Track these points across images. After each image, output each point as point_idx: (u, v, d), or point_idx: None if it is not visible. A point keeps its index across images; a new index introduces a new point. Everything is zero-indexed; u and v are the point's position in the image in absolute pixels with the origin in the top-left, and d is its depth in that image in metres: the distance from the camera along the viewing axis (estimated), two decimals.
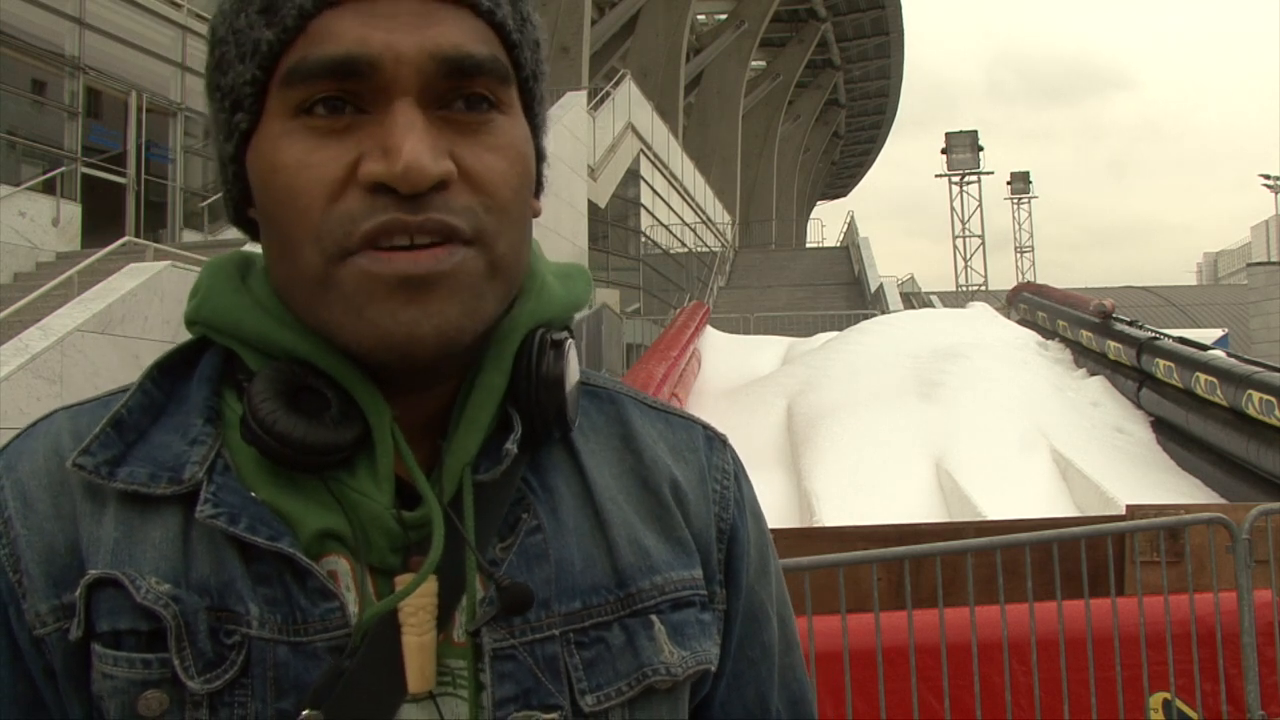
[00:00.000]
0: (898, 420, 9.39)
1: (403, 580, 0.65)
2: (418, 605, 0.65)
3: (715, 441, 0.81)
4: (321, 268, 0.63)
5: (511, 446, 0.68)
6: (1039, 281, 26.84)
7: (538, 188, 0.75)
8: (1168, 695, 3.72)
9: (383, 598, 0.65)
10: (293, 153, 0.63)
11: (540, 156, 0.73)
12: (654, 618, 0.70)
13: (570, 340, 0.72)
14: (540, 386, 0.69)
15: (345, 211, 0.62)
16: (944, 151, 59.50)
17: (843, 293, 26.89)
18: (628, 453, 0.75)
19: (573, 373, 0.71)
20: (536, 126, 0.72)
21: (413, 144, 0.61)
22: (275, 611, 0.64)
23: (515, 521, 0.69)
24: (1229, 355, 9.76)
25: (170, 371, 0.71)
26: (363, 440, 0.67)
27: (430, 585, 0.65)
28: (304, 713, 0.62)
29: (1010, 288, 20.52)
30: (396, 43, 0.62)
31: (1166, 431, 9.84)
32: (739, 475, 0.80)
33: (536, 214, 0.74)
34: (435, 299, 0.62)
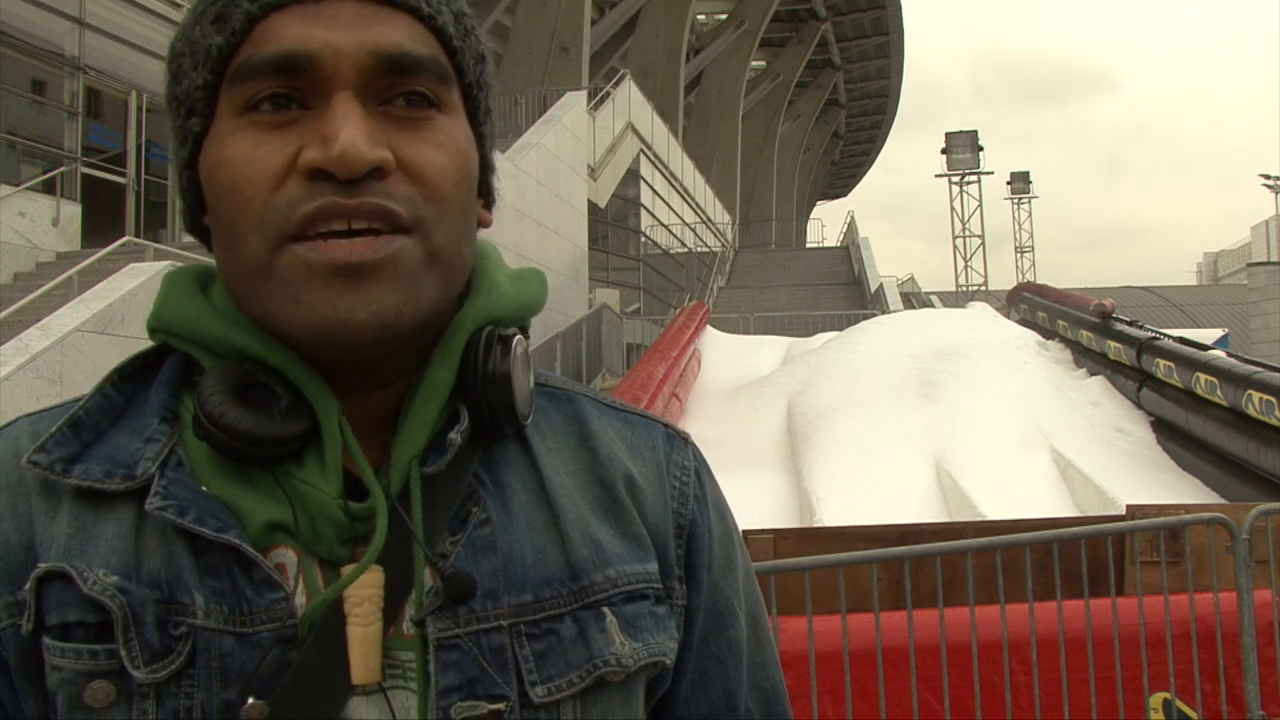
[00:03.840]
0: (898, 420, 9.39)
1: (348, 571, 0.66)
2: (363, 596, 0.66)
3: (675, 439, 0.81)
4: (264, 255, 0.65)
5: (455, 437, 0.70)
6: (1039, 281, 26.84)
7: (489, 198, 0.77)
8: (1168, 695, 3.72)
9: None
10: (239, 147, 0.66)
11: (488, 168, 0.76)
12: (606, 609, 0.71)
13: (519, 337, 0.74)
14: (486, 382, 0.71)
15: (285, 198, 0.64)
16: (944, 151, 59.48)
17: (843, 293, 26.89)
18: (584, 450, 0.76)
19: (521, 369, 0.72)
20: (483, 136, 0.74)
21: (349, 131, 0.63)
22: (222, 602, 0.65)
23: (465, 516, 0.70)
24: (1229, 355, 9.77)
25: (131, 377, 0.73)
26: (312, 434, 0.68)
27: (376, 577, 0.66)
28: (249, 701, 0.63)
29: (1010, 288, 20.53)
30: (336, 40, 0.65)
31: (1166, 431, 9.84)
32: (700, 472, 0.81)
33: (486, 224, 0.76)
34: (372, 286, 0.64)
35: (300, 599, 0.66)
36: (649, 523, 0.75)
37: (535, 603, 0.69)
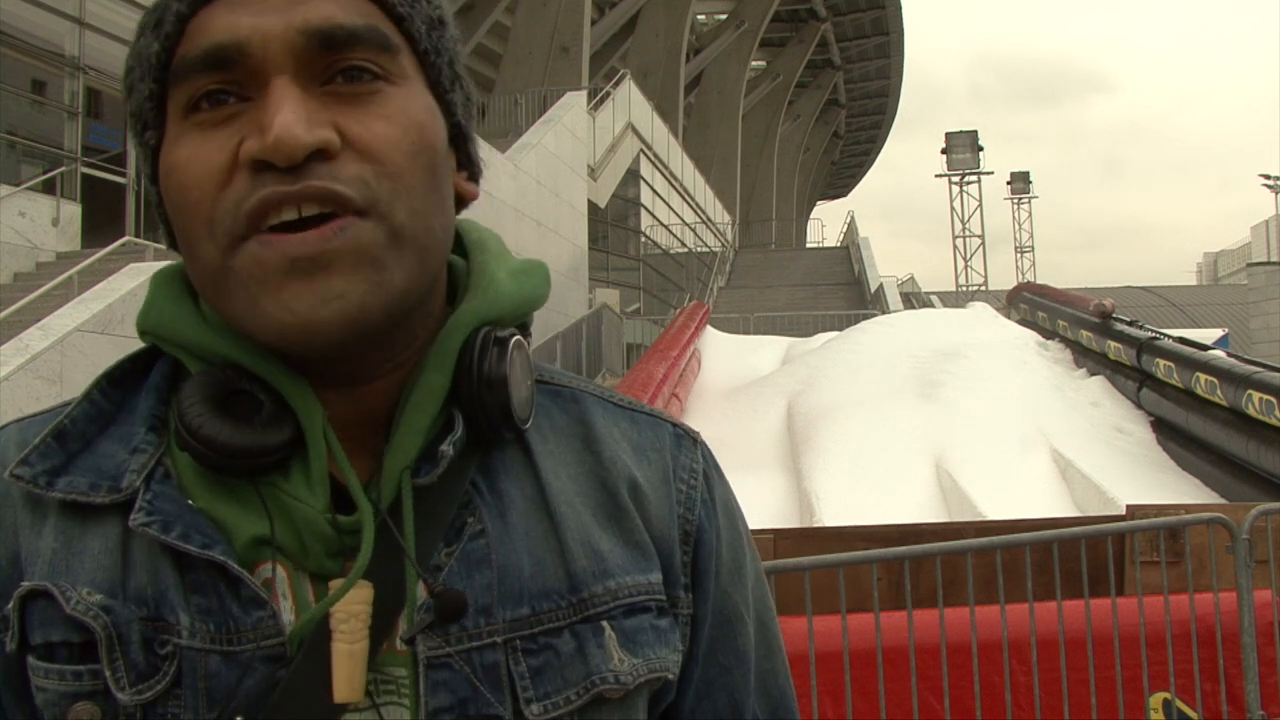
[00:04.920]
0: (898, 420, 9.39)
1: (336, 586, 0.64)
2: (349, 613, 0.63)
3: (684, 440, 0.78)
4: (218, 259, 0.62)
5: (447, 449, 0.66)
6: (1039, 281, 26.85)
7: (472, 170, 0.74)
8: (1168, 695, 3.72)
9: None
10: (184, 151, 0.64)
11: (464, 136, 0.72)
12: (605, 624, 0.68)
13: (518, 338, 0.70)
14: (482, 386, 0.67)
15: (232, 195, 0.62)
16: (944, 151, 59.48)
17: (843, 293, 26.89)
18: (587, 453, 0.73)
19: (519, 371, 0.69)
20: (452, 104, 0.70)
21: (284, 115, 0.60)
22: (208, 621, 0.63)
23: (461, 526, 0.67)
24: (1229, 355, 9.76)
25: (120, 382, 0.71)
26: (298, 443, 0.65)
27: (365, 593, 0.63)
28: None
29: (1010, 288, 20.54)
30: (264, 25, 0.62)
31: (1166, 431, 9.84)
32: (709, 475, 0.78)
33: (471, 196, 0.73)
34: (332, 280, 0.61)
35: (289, 615, 0.64)
36: (653, 530, 0.72)
37: (532, 616, 0.67)
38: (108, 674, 0.61)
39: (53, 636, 0.63)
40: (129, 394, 0.70)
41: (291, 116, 0.60)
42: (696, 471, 0.77)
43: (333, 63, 0.63)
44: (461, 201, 0.73)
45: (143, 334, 0.71)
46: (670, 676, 0.71)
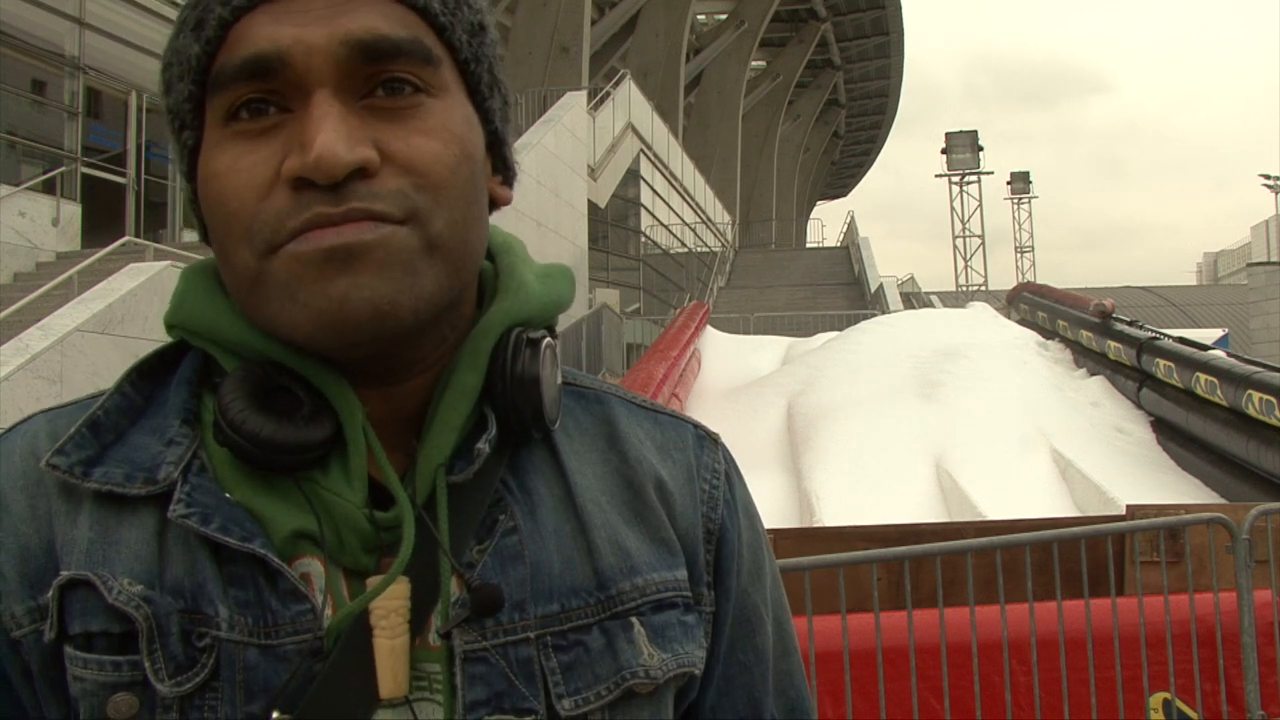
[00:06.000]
0: (898, 420, 9.39)
1: (374, 582, 0.64)
2: (389, 608, 0.64)
3: (706, 441, 0.79)
4: (254, 265, 0.63)
5: (483, 446, 0.68)
6: (1039, 281, 26.85)
7: (507, 174, 0.74)
8: (1168, 695, 3.72)
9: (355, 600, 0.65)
10: (224, 159, 0.64)
11: (500, 141, 0.73)
12: (634, 619, 0.69)
13: (548, 339, 0.72)
14: (515, 386, 0.69)
15: (273, 210, 0.63)
16: (944, 151, 59.51)
17: (843, 293, 26.89)
18: (612, 453, 0.74)
19: (550, 372, 0.70)
20: (490, 111, 0.71)
21: (325, 133, 0.61)
22: (246, 614, 0.63)
23: (492, 523, 0.69)
24: (1229, 355, 9.76)
25: (149, 375, 0.71)
26: (336, 440, 0.66)
27: (403, 588, 0.64)
28: (274, 715, 0.62)
29: (1010, 288, 20.54)
30: (306, 35, 0.63)
31: (1166, 431, 9.84)
32: (730, 475, 0.79)
33: (506, 201, 0.74)
34: (364, 271, 0.62)
35: (325, 610, 0.64)
36: (678, 527, 0.74)
37: (562, 613, 0.68)
38: (147, 665, 0.62)
39: (92, 626, 0.63)
40: (158, 387, 0.71)
41: (333, 135, 0.61)
42: (719, 472, 0.78)
43: (374, 74, 0.64)
44: (493, 205, 0.73)
45: (170, 328, 0.72)
46: (696, 672, 0.72)
